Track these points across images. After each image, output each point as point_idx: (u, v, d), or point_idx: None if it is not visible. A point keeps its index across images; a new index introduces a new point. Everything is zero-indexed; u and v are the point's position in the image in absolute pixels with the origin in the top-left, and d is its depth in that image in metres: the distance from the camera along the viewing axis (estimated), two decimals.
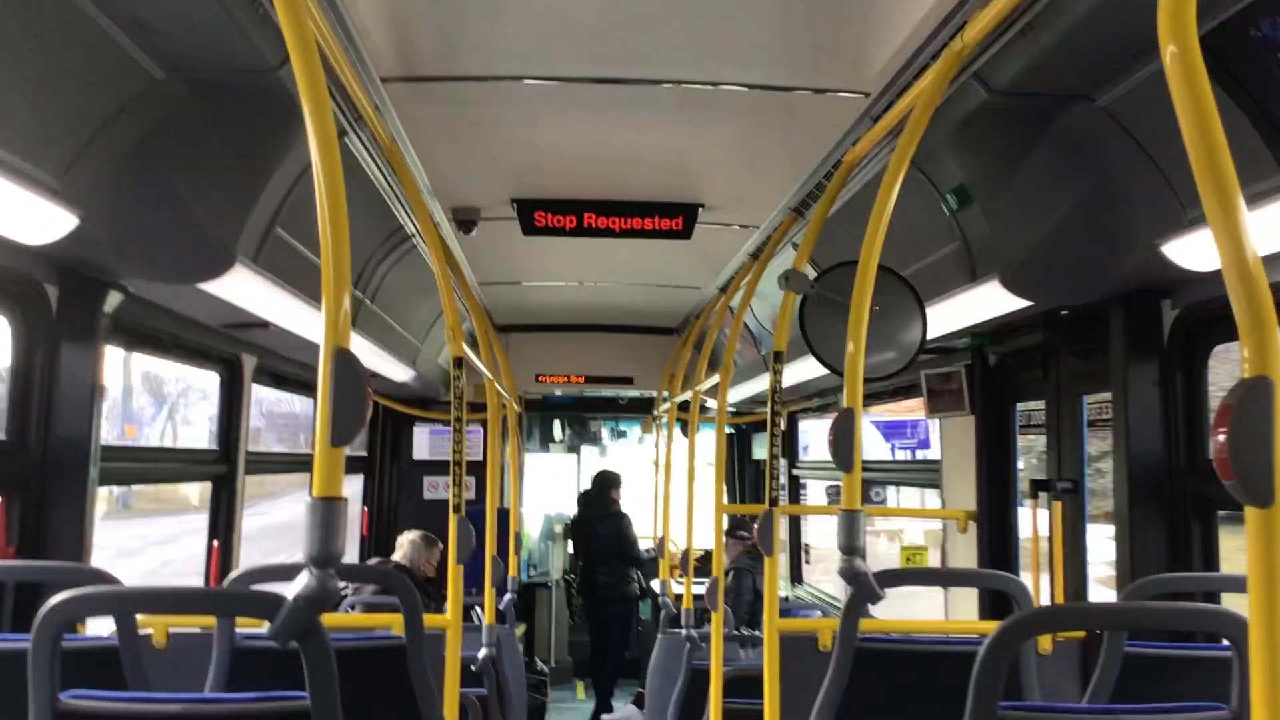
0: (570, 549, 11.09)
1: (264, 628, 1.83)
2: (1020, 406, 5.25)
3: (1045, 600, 4.58)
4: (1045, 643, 3.68)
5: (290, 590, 1.75)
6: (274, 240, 3.75)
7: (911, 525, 9.59)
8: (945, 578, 5.19)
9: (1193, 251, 3.16)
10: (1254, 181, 2.64)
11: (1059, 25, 2.67)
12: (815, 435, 10.18)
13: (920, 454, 9.97)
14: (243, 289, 3.78)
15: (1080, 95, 3.11)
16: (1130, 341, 3.90)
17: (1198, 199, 2.95)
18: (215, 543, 5.38)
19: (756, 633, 5.91)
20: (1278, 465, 1.16)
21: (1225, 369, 3.88)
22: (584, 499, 10.70)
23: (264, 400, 7.47)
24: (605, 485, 10.53)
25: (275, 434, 8.77)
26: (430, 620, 3.28)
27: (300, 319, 4.55)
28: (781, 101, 3.53)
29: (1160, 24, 1.29)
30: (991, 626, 3.97)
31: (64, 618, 1.86)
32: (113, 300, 3.72)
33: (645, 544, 10.54)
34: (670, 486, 8.10)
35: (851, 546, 2.69)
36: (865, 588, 2.71)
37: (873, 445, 10.02)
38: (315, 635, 1.79)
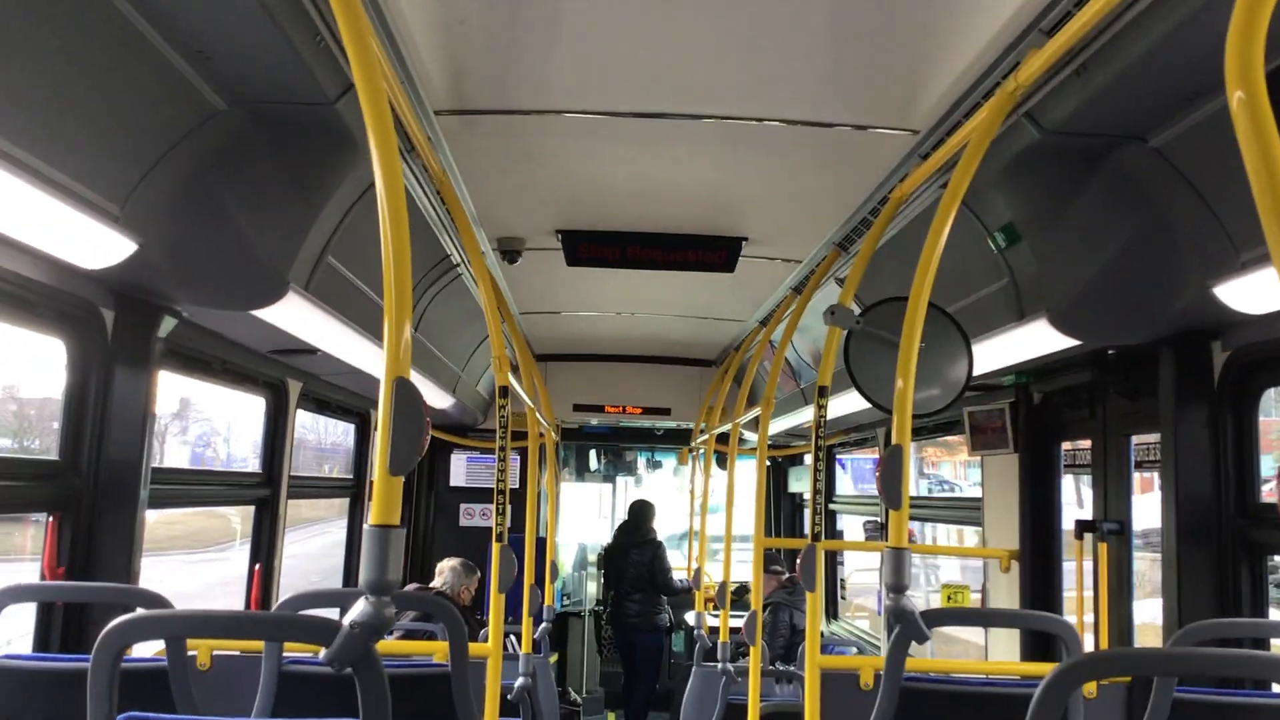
0: (602, 578, 11.09)
1: (315, 653, 1.84)
2: (1065, 446, 5.20)
3: (1089, 643, 4.52)
4: (1090, 686, 3.63)
5: (346, 617, 1.77)
6: (325, 269, 3.80)
7: (947, 564, 9.50)
8: (991, 618, 5.14)
9: (1246, 294, 3.13)
10: None
11: (1113, 66, 2.67)
12: (849, 470, 10.15)
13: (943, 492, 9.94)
14: (295, 316, 3.83)
15: (1133, 136, 3.10)
16: (1180, 383, 3.86)
17: (1251, 241, 2.94)
18: (257, 566, 5.42)
19: (792, 668, 5.87)
20: None
21: None
22: (622, 527, 10.69)
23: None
24: (643, 514, 10.53)
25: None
26: (470, 649, 3.29)
27: (348, 346, 4.60)
28: (827, 137, 3.55)
29: (1228, 67, 1.29)
30: (1036, 668, 3.95)
31: (124, 640, 1.88)
32: (166, 325, 3.77)
33: (679, 575, 10.51)
34: (706, 519, 8.08)
35: (898, 584, 2.67)
36: (913, 627, 2.69)
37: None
38: (369, 662, 1.80)
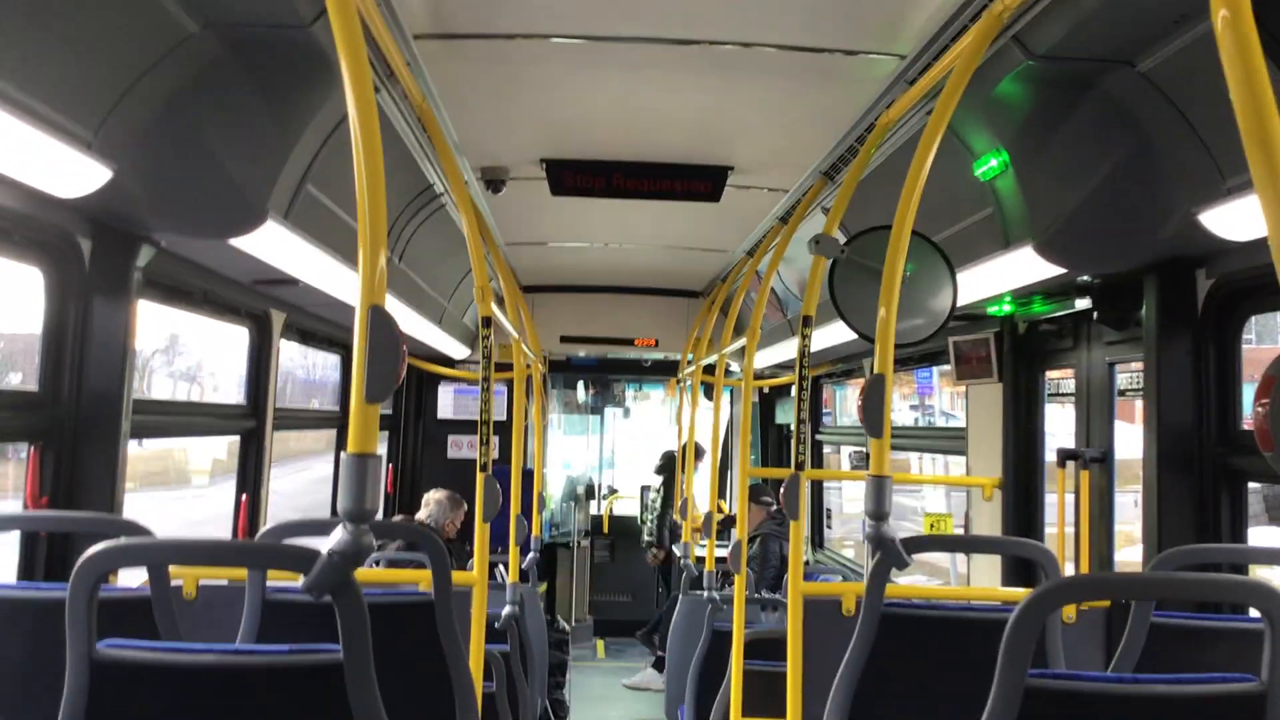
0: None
1: (297, 581, 1.85)
2: (1049, 375, 5.22)
3: (1070, 570, 4.58)
4: (1069, 611, 3.67)
5: (325, 545, 1.77)
6: (305, 197, 3.75)
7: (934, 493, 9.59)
8: (972, 544, 5.19)
9: (1231, 220, 3.11)
10: None
11: None
12: (836, 401, 10.19)
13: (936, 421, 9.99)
14: (274, 245, 3.78)
15: (1121, 61, 3.06)
16: (1164, 311, 3.87)
17: (1237, 167, 2.92)
18: (244, 497, 5.43)
19: (778, 596, 5.94)
20: None
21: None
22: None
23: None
24: (666, 462, 11.11)
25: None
26: (456, 578, 3.30)
27: (329, 276, 4.56)
28: (814, 63, 3.50)
29: None
30: (1016, 595, 3.99)
31: (102, 568, 1.88)
32: (145, 254, 3.73)
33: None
34: (693, 449, 8.11)
35: (879, 512, 2.70)
36: (893, 553, 2.71)
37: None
38: (348, 590, 1.81)
